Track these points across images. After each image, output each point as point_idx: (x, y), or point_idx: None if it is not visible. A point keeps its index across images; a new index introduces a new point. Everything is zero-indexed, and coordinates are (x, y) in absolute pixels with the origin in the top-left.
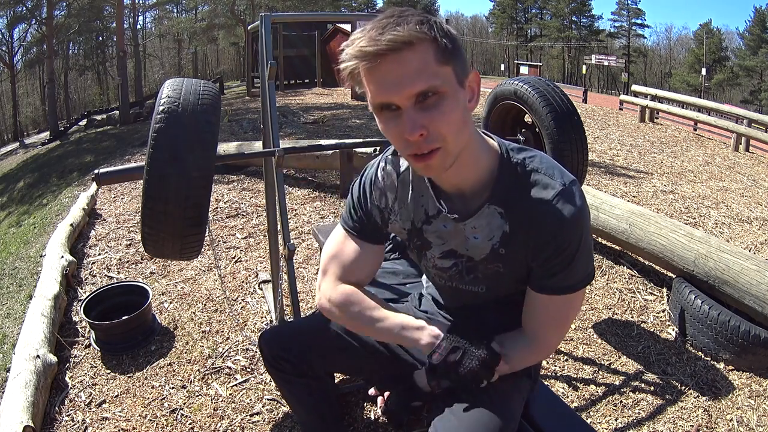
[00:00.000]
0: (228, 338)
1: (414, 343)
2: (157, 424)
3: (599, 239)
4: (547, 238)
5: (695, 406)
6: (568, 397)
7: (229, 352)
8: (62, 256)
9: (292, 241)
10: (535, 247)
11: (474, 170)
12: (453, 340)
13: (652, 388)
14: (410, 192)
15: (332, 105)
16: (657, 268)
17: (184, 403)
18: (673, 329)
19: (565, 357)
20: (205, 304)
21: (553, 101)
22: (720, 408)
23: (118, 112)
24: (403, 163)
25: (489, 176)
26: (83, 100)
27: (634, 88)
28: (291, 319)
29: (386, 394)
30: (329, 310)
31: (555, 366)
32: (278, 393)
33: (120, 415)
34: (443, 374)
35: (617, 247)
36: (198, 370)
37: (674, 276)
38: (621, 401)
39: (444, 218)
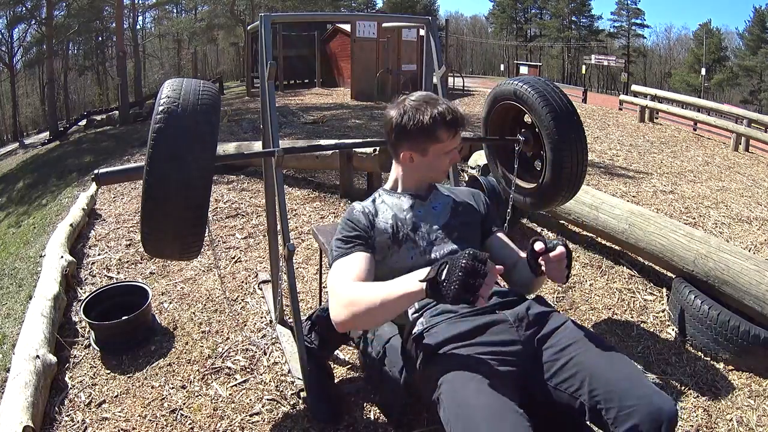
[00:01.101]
0: (228, 338)
1: (411, 289)
2: (157, 424)
3: (599, 239)
4: (479, 198)
5: (695, 406)
6: None
7: (229, 352)
8: (62, 257)
9: (291, 242)
10: (479, 204)
11: None
12: (438, 263)
13: None
14: (386, 209)
15: (332, 105)
16: (657, 268)
17: (184, 403)
18: (673, 329)
19: None
20: (205, 304)
21: (553, 101)
22: (720, 408)
23: (117, 112)
24: (368, 205)
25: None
26: (83, 101)
27: (634, 88)
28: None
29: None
30: (344, 319)
31: None
32: (278, 393)
33: (120, 416)
34: (441, 297)
35: (617, 247)
36: (198, 370)
37: (674, 276)
38: None
39: (417, 204)
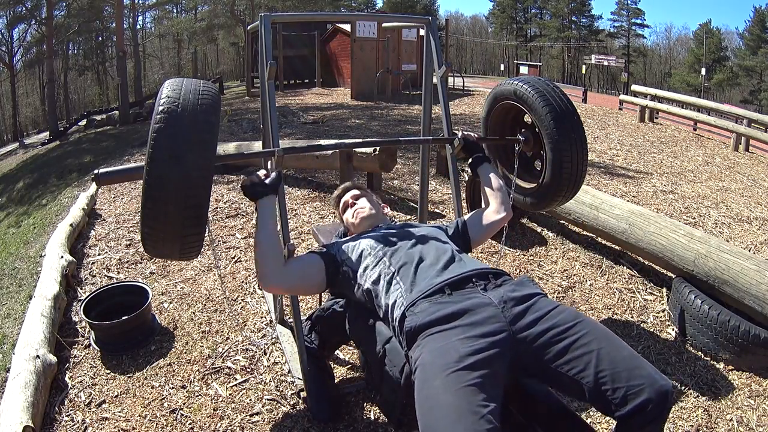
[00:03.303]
0: (228, 338)
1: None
2: (157, 424)
3: (599, 239)
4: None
5: (695, 406)
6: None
7: (229, 352)
8: (62, 257)
9: (292, 241)
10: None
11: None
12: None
13: None
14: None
15: (332, 105)
16: (657, 268)
17: (184, 403)
18: (673, 329)
19: None
20: (205, 304)
21: (553, 101)
22: (720, 408)
23: (117, 112)
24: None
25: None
26: (83, 100)
27: (634, 88)
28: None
29: None
30: (259, 275)
31: None
32: (278, 393)
33: (120, 415)
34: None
35: (617, 247)
36: (198, 370)
37: (674, 276)
38: None
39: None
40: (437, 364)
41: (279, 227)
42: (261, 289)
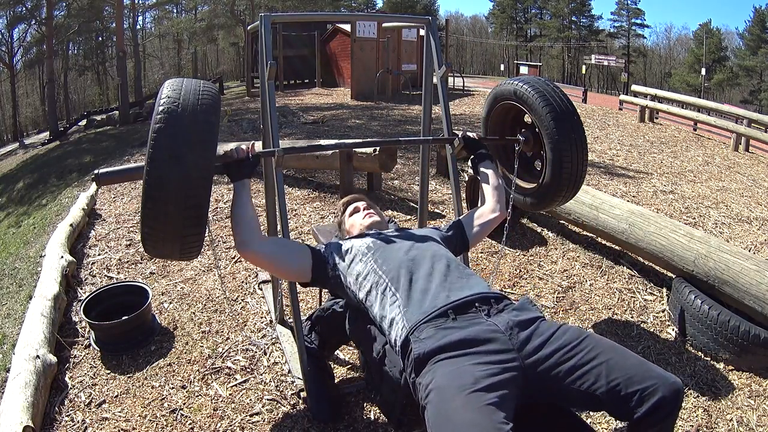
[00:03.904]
0: (228, 338)
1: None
2: (157, 424)
3: (599, 239)
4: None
5: (695, 406)
6: None
7: (229, 352)
8: (62, 257)
9: None
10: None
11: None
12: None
13: None
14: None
15: (332, 105)
16: (657, 268)
17: (184, 403)
18: (673, 329)
19: None
20: (205, 304)
21: (553, 101)
22: (720, 408)
23: (117, 112)
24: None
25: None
26: (83, 101)
27: (634, 88)
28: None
29: None
30: (236, 243)
31: None
32: (278, 393)
33: (120, 416)
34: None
35: (617, 247)
36: (198, 370)
37: (674, 276)
38: None
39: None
40: (453, 386)
41: (279, 227)
42: (260, 289)
